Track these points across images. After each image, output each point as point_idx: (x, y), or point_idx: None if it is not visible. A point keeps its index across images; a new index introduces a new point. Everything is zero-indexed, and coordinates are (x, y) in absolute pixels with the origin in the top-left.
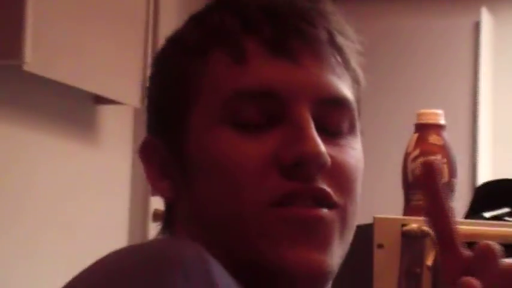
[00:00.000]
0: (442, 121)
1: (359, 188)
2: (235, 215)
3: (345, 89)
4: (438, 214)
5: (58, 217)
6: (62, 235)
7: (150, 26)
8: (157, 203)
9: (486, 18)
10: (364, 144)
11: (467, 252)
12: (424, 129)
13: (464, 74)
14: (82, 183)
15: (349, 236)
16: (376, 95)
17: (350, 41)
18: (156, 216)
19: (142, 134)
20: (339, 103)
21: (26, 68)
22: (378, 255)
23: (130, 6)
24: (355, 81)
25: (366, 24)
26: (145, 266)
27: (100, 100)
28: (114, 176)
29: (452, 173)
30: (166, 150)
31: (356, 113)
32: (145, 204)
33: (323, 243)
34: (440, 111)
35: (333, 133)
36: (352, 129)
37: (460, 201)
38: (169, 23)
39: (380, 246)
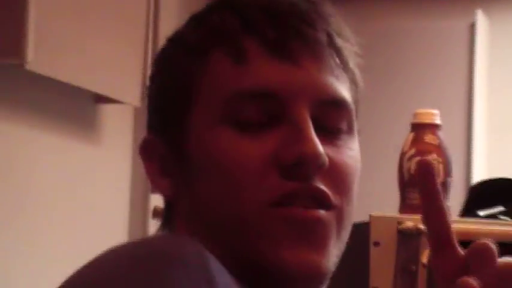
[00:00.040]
0: (437, 121)
1: (356, 188)
2: (235, 214)
3: (343, 90)
4: (434, 213)
5: (59, 214)
6: (63, 231)
7: (151, 25)
8: (157, 201)
9: (481, 20)
10: (361, 143)
11: (462, 251)
12: (420, 128)
13: (459, 75)
14: (83, 181)
15: (345, 235)
16: (373, 94)
17: (349, 42)
18: (156, 213)
19: (143, 133)
20: (337, 104)
21: (28, 67)
22: (374, 252)
23: (131, 6)
24: (353, 83)
25: (363, 25)
26: (145, 262)
27: (101, 99)
28: (114, 174)
29: (447, 172)
30: (167, 148)
31: (354, 114)
32: (146, 201)
33: (321, 244)
34: (436, 111)
35: (331, 133)
36: (350, 130)
37: (455, 200)
38: (170, 23)
39: (376, 243)
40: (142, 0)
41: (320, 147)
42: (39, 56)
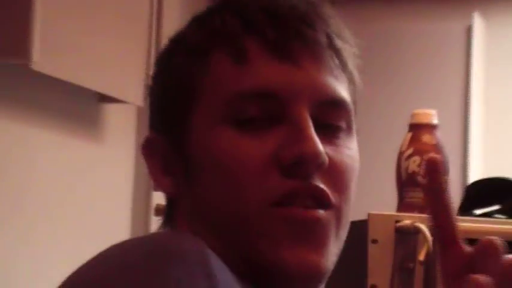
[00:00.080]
0: (435, 121)
1: (354, 187)
2: (236, 213)
3: (343, 90)
4: (440, 210)
5: (62, 211)
6: (66, 227)
7: (154, 27)
8: (159, 198)
9: (478, 23)
10: (360, 143)
11: (468, 249)
12: (417, 128)
13: (456, 76)
14: (86, 178)
15: (344, 234)
16: (372, 95)
17: (348, 44)
18: (158, 210)
19: (145, 132)
20: (336, 104)
21: (33, 67)
22: (372, 250)
23: (134, 7)
24: (352, 83)
25: (362, 27)
26: (146, 258)
27: (104, 98)
28: (117, 172)
29: (445, 171)
30: (169, 147)
31: (353, 114)
32: (148, 199)
33: (320, 244)
34: (433, 112)
35: (330, 133)
36: (348, 130)
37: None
38: (173, 24)
39: (374, 241)
40: (146, 1)
41: (320, 146)
42: (44, 56)
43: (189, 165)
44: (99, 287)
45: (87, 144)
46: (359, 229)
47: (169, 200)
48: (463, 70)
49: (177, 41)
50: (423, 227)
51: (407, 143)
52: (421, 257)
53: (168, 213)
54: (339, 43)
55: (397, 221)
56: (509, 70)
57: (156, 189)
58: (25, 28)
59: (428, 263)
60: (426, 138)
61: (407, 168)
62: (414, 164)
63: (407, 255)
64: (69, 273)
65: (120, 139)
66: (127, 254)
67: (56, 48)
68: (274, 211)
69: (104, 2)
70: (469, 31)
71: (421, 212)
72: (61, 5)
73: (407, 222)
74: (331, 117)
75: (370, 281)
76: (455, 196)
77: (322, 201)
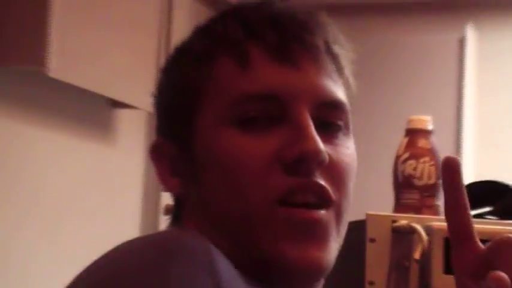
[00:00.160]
0: (430, 127)
1: (352, 184)
2: (240, 212)
3: (340, 92)
4: (457, 209)
5: (76, 210)
6: (80, 226)
7: (163, 37)
8: (168, 199)
9: (471, 34)
10: (358, 147)
11: (482, 247)
12: (413, 133)
13: (450, 84)
14: (100, 180)
15: (343, 230)
16: (370, 102)
17: (344, 50)
18: (167, 210)
19: (155, 136)
20: (335, 105)
21: (50, 74)
22: (370, 248)
23: (145, 18)
24: (348, 87)
25: (363, 39)
26: (154, 255)
27: (116, 104)
28: (128, 174)
29: (439, 174)
30: (176, 150)
31: (350, 115)
32: (157, 199)
33: (322, 241)
34: (428, 118)
35: (329, 133)
36: (346, 130)
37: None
38: (181, 35)
39: (372, 240)
40: (156, 13)
41: (321, 145)
42: (61, 64)
43: (195, 166)
44: (108, 283)
45: (100, 147)
46: (357, 229)
47: (177, 200)
48: (456, 79)
49: (182, 49)
50: (418, 227)
51: (403, 147)
52: (416, 255)
53: (175, 212)
54: (336, 49)
55: (393, 221)
56: (500, 79)
57: (165, 190)
58: (42, 37)
59: (423, 261)
60: (422, 142)
61: (403, 171)
62: (410, 167)
63: (403, 253)
64: (80, 271)
65: (131, 142)
66: (135, 252)
67: (71, 56)
68: (277, 210)
69: (117, 13)
70: (462, 42)
71: (416, 212)
72: (77, 15)
73: (403, 222)
74: (330, 117)
75: (368, 278)
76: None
77: (323, 197)
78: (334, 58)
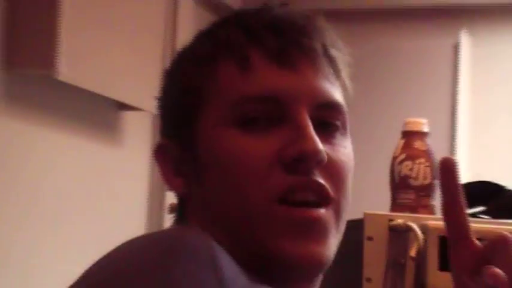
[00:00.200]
0: (425, 129)
1: (350, 183)
2: (242, 209)
3: (337, 94)
4: (454, 208)
5: (84, 209)
6: (88, 223)
7: (168, 43)
8: (173, 198)
9: (465, 40)
10: (357, 149)
11: (479, 244)
12: (409, 135)
13: (445, 88)
14: (106, 179)
15: (342, 226)
16: (368, 105)
17: (341, 53)
18: (172, 209)
19: (159, 137)
20: (332, 106)
21: (59, 77)
22: (368, 246)
23: (151, 24)
24: (345, 89)
25: (362, 44)
26: (158, 252)
27: (123, 106)
28: (134, 173)
29: (434, 175)
30: (179, 150)
31: (347, 116)
32: (162, 198)
33: (321, 238)
34: (424, 120)
35: (327, 133)
36: (343, 130)
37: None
38: (185, 40)
39: (369, 238)
40: (161, 19)
41: (320, 145)
42: (69, 68)
43: (198, 166)
44: (112, 281)
45: (107, 148)
46: (355, 227)
47: (181, 199)
48: (450, 83)
49: (185, 53)
50: (414, 226)
51: (400, 148)
52: (412, 253)
53: (179, 211)
54: (333, 52)
55: (390, 220)
56: (494, 83)
57: (169, 190)
58: (52, 41)
59: (418, 258)
60: (418, 144)
61: (400, 172)
62: (406, 168)
63: (400, 251)
64: (86, 268)
65: (137, 143)
66: (139, 249)
67: (79, 61)
68: (277, 209)
69: (123, 19)
70: (456, 47)
71: (412, 212)
72: (85, 21)
73: (399, 221)
74: (328, 118)
75: (365, 274)
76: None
77: (322, 195)
78: (332, 61)
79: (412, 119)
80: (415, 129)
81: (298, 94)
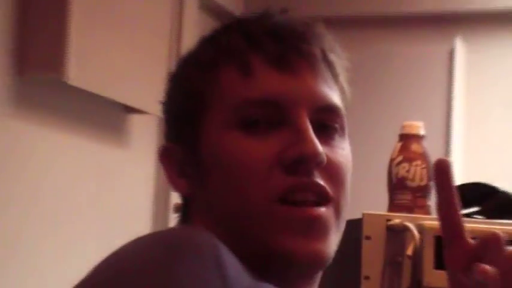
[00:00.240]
0: (422, 132)
1: (349, 183)
2: (244, 209)
3: (336, 97)
4: (448, 208)
5: (93, 208)
6: (96, 223)
7: (173, 49)
8: (178, 198)
9: (460, 46)
10: (356, 151)
11: (472, 243)
12: (406, 138)
13: (440, 92)
14: (114, 180)
15: (343, 224)
16: (367, 109)
17: (339, 58)
18: (177, 208)
19: (164, 139)
20: (331, 110)
21: (68, 81)
22: (366, 245)
23: (156, 31)
24: (343, 93)
25: (360, 50)
26: (163, 250)
27: (130, 110)
28: (140, 174)
29: (430, 176)
30: (183, 153)
31: (345, 119)
32: (167, 198)
33: (322, 236)
34: (421, 124)
35: (326, 135)
36: (342, 133)
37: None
38: (190, 46)
39: (368, 238)
40: (167, 26)
41: (319, 147)
42: (78, 72)
43: (202, 167)
44: (118, 280)
45: (114, 150)
46: (354, 227)
47: (185, 199)
48: (446, 88)
49: (188, 59)
50: (411, 226)
51: (397, 151)
52: (409, 252)
53: (184, 211)
54: (331, 57)
55: (388, 220)
56: (487, 88)
57: (174, 191)
58: (62, 47)
59: (415, 257)
60: (414, 147)
61: (397, 173)
62: (403, 169)
63: (397, 250)
64: (93, 266)
65: (143, 145)
66: (144, 248)
67: (88, 65)
68: (278, 208)
69: (130, 26)
70: (451, 53)
71: (409, 212)
72: (93, 27)
73: (397, 221)
74: (327, 121)
75: (364, 273)
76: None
77: (321, 195)
78: (330, 66)
79: (409, 123)
80: (412, 132)
81: (298, 98)
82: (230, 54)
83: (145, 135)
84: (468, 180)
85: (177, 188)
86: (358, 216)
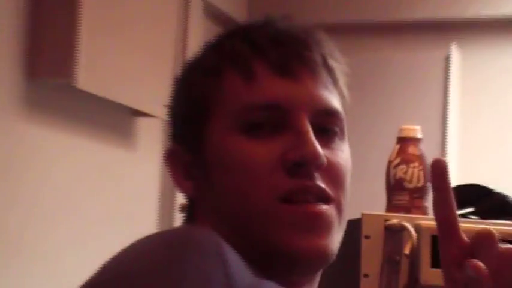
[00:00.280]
0: (419, 135)
1: (348, 184)
2: (248, 208)
3: (335, 102)
4: (444, 206)
5: (101, 207)
6: (104, 223)
7: (179, 55)
8: (183, 198)
9: (455, 52)
10: (355, 154)
11: (467, 239)
12: (404, 141)
13: (436, 98)
14: (121, 181)
15: (344, 223)
16: (366, 113)
17: (339, 63)
18: (182, 208)
19: (169, 142)
20: (331, 113)
21: (78, 86)
22: (365, 244)
23: (163, 37)
24: (342, 97)
25: (360, 56)
26: (169, 248)
27: (137, 113)
28: (147, 175)
29: (427, 178)
30: (188, 155)
31: (344, 122)
32: (173, 198)
33: (325, 231)
34: (418, 127)
35: (326, 138)
36: (341, 135)
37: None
38: (195, 52)
39: (367, 237)
40: (172, 32)
41: (320, 149)
42: (87, 77)
43: (207, 169)
44: (125, 278)
45: (122, 151)
46: (354, 226)
47: (191, 200)
48: (442, 92)
49: (193, 64)
50: (408, 226)
51: (395, 153)
52: (406, 250)
53: (189, 211)
54: (331, 63)
55: (386, 220)
56: (482, 94)
57: (180, 191)
58: (71, 52)
59: (412, 256)
60: (412, 149)
61: (395, 175)
62: (401, 171)
63: (395, 249)
64: (101, 264)
65: (149, 147)
66: (150, 246)
67: (96, 70)
68: (280, 207)
69: (137, 32)
70: (447, 60)
71: (406, 212)
72: (101, 34)
73: (395, 221)
74: (327, 124)
75: (363, 270)
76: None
77: (321, 197)
78: (330, 71)
79: (406, 126)
80: (410, 135)
81: (299, 102)
82: (234, 60)
83: (152, 137)
84: (463, 182)
85: (182, 190)
86: (357, 216)
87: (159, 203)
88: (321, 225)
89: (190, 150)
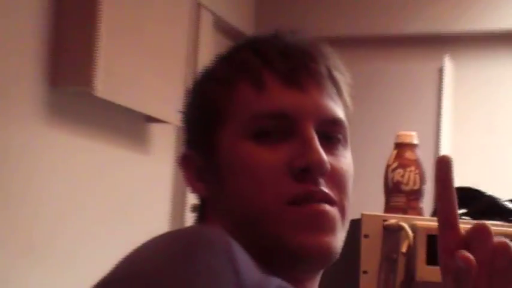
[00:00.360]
0: (415, 141)
1: (351, 188)
2: (256, 210)
3: (339, 111)
4: (446, 199)
5: (116, 209)
6: (120, 223)
7: (191, 64)
8: (194, 199)
9: (449, 64)
10: (356, 159)
11: (463, 232)
12: (401, 147)
13: (430, 107)
14: (135, 184)
15: (347, 224)
16: (365, 121)
17: (343, 75)
18: (194, 208)
19: (183, 147)
20: (335, 122)
21: (96, 94)
22: (364, 243)
23: (176, 47)
24: (346, 106)
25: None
26: (181, 246)
27: (151, 119)
28: (160, 178)
29: (422, 181)
30: (201, 160)
31: (348, 130)
32: (184, 199)
33: (330, 230)
34: (414, 133)
35: (330, 145)
36: (345, 143)
37: (427, 203)
38: (205, 60)
39: (366, 236)
40: (185, 43)
41: (324, 156)
42: (105, 85)
43: (218, 173)
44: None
45: (136, 156)
46: (354, 226)
47: (202, 201)
48: (435, 102)
49: (206, 74)
50: (405, 226)
51: (393, 158)
52: (403, 249)
53: (200, 211)
54: (336, 74)
55: (384, 220)
56: (474, 103)
57: (192, 193)
58: (90, 61)
59: (409, 254)
60: (408, 154)
61: (392, 178)
62: (398, 175)
63: (392, 247)
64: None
65: (162, 152)
66: (163, 244)
67: (114, 79)
68: (287, 209)
69: (152, 43)
70: (440, 71)
71: (403, 213)
72: (119, 45)
73: (392, 221)
74: (331, 132)
75: (363, 267)
76: (430, 200)
77: (325, 201)
78: (335, 82)
79: (403, 132)
80: (406, 141)
81: (306, 111)
82: (245, 71)
83: (164, 142)
84: (456, 185)
85: (195, 191)
86: (357, 216)
87: (171, 204)
88: (325, 223)
89: (203, 155)
